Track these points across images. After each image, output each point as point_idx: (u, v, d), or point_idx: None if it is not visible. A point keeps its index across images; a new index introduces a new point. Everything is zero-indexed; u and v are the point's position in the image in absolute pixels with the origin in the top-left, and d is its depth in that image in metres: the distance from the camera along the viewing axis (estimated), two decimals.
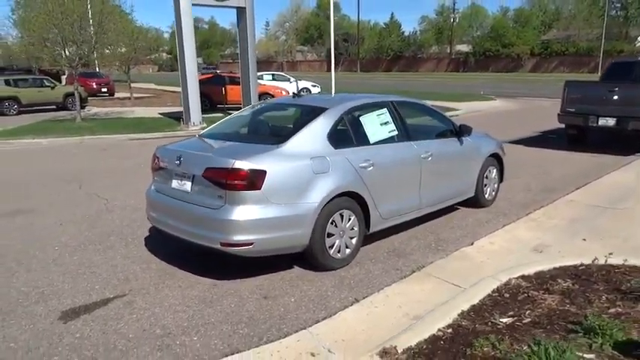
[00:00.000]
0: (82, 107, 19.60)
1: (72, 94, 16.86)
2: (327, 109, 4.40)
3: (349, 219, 4.27)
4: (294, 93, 5.18)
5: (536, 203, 6.31)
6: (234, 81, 19.05)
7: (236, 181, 3.68)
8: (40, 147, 12.07)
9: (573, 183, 7.33)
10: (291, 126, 4.46)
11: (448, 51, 69.15)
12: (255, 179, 3.69)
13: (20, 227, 5.59)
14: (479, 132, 6.36)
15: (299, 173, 3.92)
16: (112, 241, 5.09)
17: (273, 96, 18.42)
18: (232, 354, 3.03)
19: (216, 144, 4.46)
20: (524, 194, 6.80)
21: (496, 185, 6.25)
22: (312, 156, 4.02)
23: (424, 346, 2.93)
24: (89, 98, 22.62)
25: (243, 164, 3.71)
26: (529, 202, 6.37)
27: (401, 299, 3.71)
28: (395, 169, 4.68)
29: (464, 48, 66.98)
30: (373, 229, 4.59)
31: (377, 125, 4.67)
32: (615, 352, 2.77)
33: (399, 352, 2.84)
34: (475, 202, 5.99)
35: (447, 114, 17.96)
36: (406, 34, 75.12)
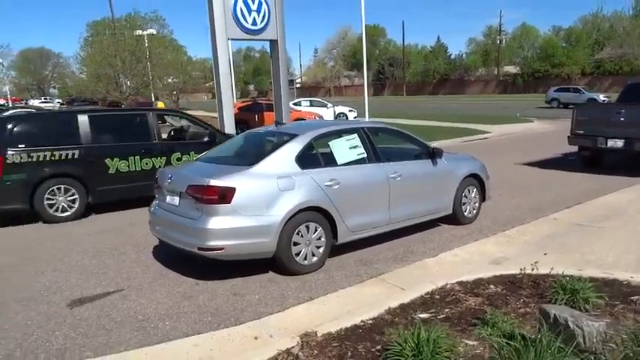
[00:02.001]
0: None
1: None
2: (297, 135, 5.12)
3: (315, 230, 4.91)
4: (276, 122, 5.95)
5: (519, 221, 6.62)
6: (270, 108, 20.23)
7: (210, 196, 4.45)
8: None
9: (567, 203, 7.53)
10: (268, 149, 5.19)
11: (495, 73, 68.19)
12: (225, 194, 4.44)
13: (54, 237, 6.64)
14: (460, 154, 6.84)
15: (266, 190, 4.63)
16: (126, 248, 5.99)
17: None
18: (193, 335, 3.74)
19: (202, 166, 5.28)
20: (511, 212, 7.12)
21: (477, 204, 6.64)
22: (279, 175, 4.73)
23: (342, 333, 3.51)
24: None
25: (216, 182, 4.48)
26: (511, 220, 6.68)
27: (349, 299, 4.29)
28: (361, 187, 5.28)
29: (511, 69, 65.82)
30: (341, 240, 5.19)
31: (345, 149, 5.32)
32: (502, 341, 3.22)
33: (318, 335, 3.44)
34: (454, 219, 6.42)
35: (473, 137, 18.07)
36: (452, 56, 75.07)
